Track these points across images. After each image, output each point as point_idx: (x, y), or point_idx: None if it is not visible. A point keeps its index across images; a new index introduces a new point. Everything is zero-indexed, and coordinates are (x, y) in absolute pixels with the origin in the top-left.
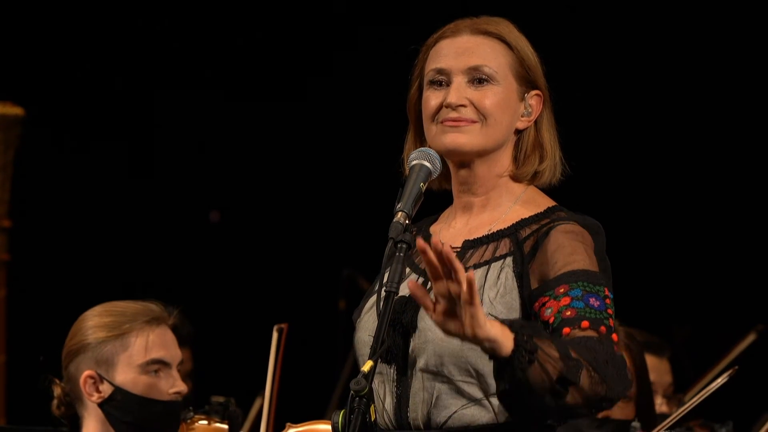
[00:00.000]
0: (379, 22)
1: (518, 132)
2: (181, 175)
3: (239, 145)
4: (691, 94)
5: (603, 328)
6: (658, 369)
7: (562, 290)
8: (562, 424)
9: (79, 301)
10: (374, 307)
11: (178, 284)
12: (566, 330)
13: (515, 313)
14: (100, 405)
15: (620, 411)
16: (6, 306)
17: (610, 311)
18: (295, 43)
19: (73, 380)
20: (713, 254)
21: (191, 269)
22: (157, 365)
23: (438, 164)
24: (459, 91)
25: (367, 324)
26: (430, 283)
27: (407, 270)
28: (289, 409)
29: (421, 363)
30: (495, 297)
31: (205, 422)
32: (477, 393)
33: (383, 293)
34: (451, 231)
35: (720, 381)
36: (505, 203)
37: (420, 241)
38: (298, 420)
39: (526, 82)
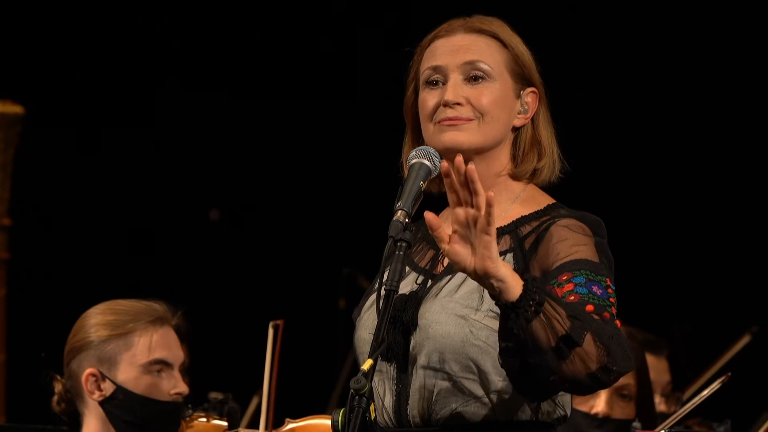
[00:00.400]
0: (379, 22)
1: (515, 130)
2: (181, 174)
3: (239, 144)
4: (691, 94)
5: (606, 314)
6: (656, 368)
7: (564, 277)
8: (562, 423)
9: (80, 300)
10: (374, 306)
11: (178, 282)
12: None
13: None
14: (101, 403)
15: (621, 410)
16: (6, 305)
17: (612, 300)
18: (295, 42)
19: (75, 377)
20: (713, 254)
21: (192, 267)
22: (159, 365)
23: (438, 163)
24: (455, 89)
25: (367, 322)
26: (430, 281)
27: (407, 269)
28: (289, 408)
29: (421, 360)
30: None
31: (204, 419)
32: (477, 390)
33: (383, 292)
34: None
35: (713, 387)
36: (505, 201)
37: (444, 163)
38: (297, 418)
39: (521, 79)
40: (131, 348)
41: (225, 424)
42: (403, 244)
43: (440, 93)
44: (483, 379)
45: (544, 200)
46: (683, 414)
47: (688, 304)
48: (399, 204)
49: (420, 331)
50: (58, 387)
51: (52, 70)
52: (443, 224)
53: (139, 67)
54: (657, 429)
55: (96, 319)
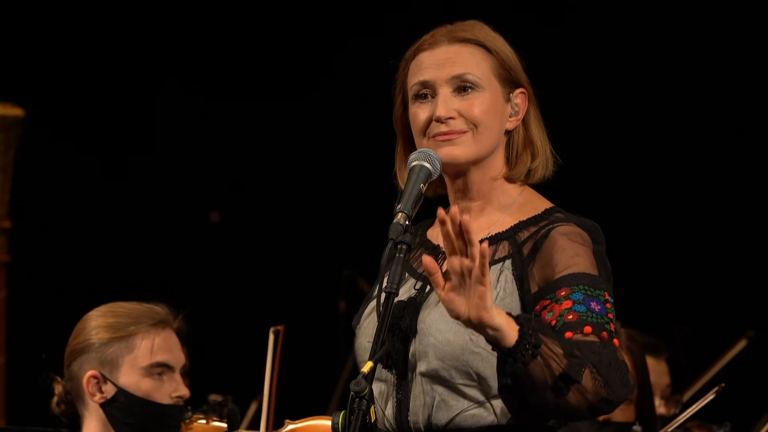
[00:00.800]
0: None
1: (508, 132)
2: (181, 175)
3: (240, 145)
4: (692, 94)
5: (605, 334)
6: (655, 370)
7: (563, 293)
8: (563, 426)
9: (80, 302)
10: (374, 313)
11: (178, 284)
12: (569, 334)
13: None
14: (102, 405)
15: (621, 413)
16: (6, 307)
17: (611, 315)
18: (295, 43)
19: (76, 379)
20: (713, 256)
21: (191, 269)
22: (160, 368)
23: (438, 165)
24: (446, 103)
25: (368, 329)
26: (429, 287)
27: (406, 275)
28: (289, 411)
29: (421, 367)
30: (495, 300)
31: (203, 421)
32: (479, 396)
33: (383, 294)
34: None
35: (708, 397)
36: (503, 206)
37: (440, 211)
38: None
39: (509, 82)
40: (133, 351)
41: (224, 426)
42: (404, 247)
43: (431, 107)
44: (483, 385)
45: (542, 204)
46: (677, 424)
47: (688, 306)
48: (399, 206)
49: (419, 338)
50: (58, 389)
51: (52, 71)
52: (441, 268)
53: (138, 67)
54: None
55: (97, 322)
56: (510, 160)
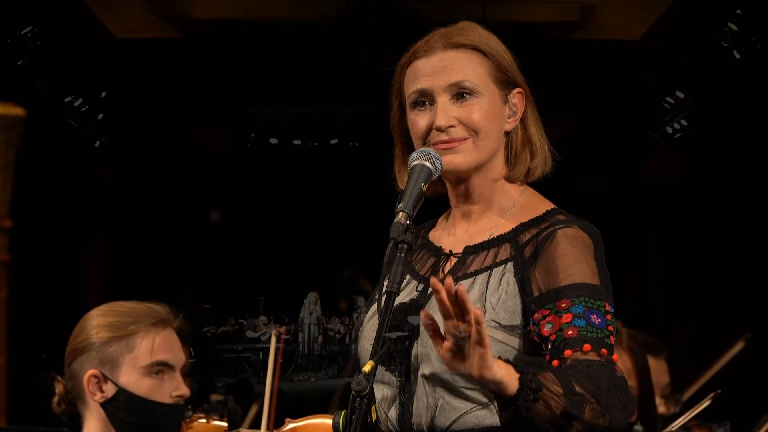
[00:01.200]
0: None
1: (506, 133)
2: (181, 175)
3: (240, 145)
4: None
5: (604, 351)
6: (655, 369)
7: (563, 305)
8: None
9: (80, 302)
10: (376, 316)
11: (178, 283)
12: (568, 352)
13: (517, 318)
14: (103, 405)
15: None
16: (6, 307)
17: (610, 328)
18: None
19: (76, 378)
20: (713, 258)
21: (191, 269)
22: (161, 367)
23: (439, 164)
24: (445, 111)
25: (370, 333)
26: (430, 288)
27: (408, 276)
28: (290, 410)
29: (424, 370)
30: (497, 303)
31: (204, 420)
32: (481, 397)
33: (384, 294)
34: (451, 238)
35: (704, 403)
36: (504, 208)
37: (433, 280)
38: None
39: (506, 84)
40: (133, 350)
41: (225, 425)
42: (405, 246)
43: (429, 114)
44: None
45: (543, 206)
46: (680, 424)
47: (689, 306)
48: (400, 206)
49: (421, 340)
50: (58, 388)
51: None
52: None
53: (138, 67)
54: None
55: (98, 321)
56: (509, 161)
